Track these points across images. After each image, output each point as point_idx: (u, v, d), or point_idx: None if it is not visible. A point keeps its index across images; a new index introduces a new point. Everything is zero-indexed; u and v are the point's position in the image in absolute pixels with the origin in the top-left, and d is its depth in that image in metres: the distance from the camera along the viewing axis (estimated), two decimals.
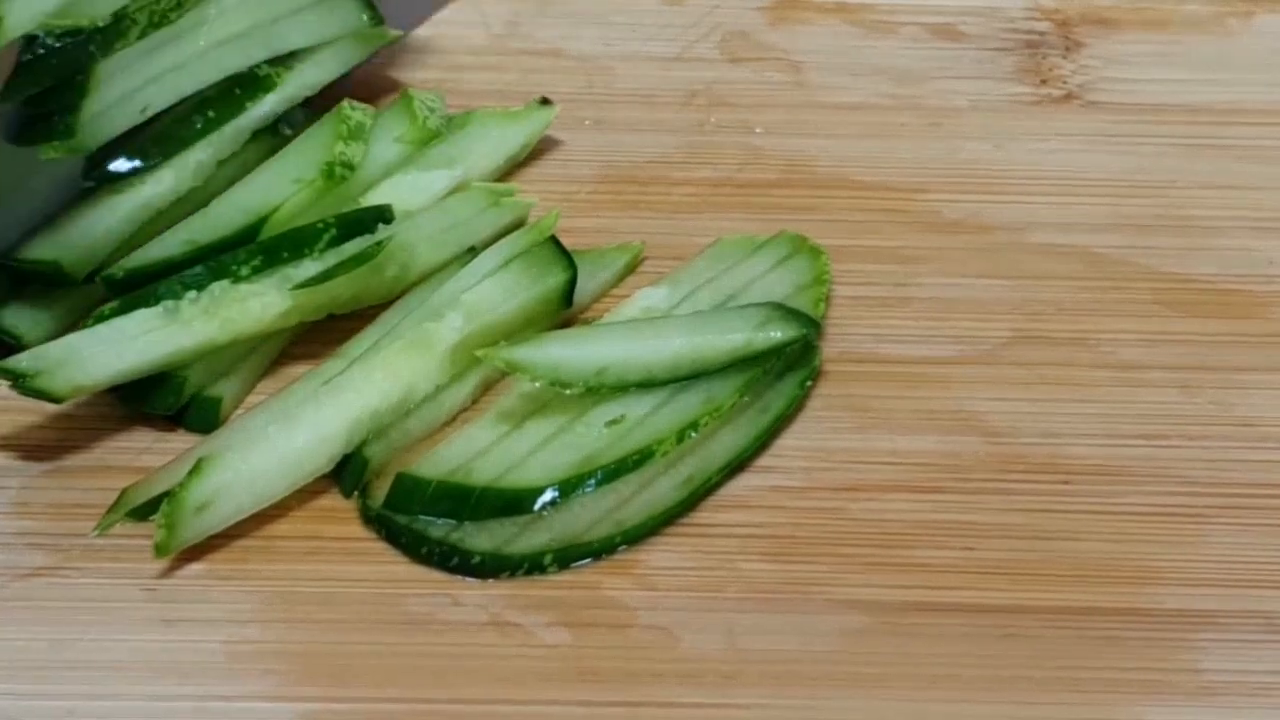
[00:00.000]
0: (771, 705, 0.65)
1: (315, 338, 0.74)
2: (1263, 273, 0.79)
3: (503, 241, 0.76)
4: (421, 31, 0.88)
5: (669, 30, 0.89)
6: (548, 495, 0.69)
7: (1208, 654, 0.66)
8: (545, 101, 0.83)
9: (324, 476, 0.70)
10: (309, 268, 0.73)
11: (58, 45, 0.72)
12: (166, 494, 0.67)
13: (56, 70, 0.72)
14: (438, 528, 0.69)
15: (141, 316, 0.71)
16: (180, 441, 0.71)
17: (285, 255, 0.73)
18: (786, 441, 0.72)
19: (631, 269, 0.78)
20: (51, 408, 0.71)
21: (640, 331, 0.73)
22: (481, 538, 0.68)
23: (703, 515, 0.70)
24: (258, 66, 0.79)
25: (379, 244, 0.74)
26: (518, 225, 0.78)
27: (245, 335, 0.72)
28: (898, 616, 0.67)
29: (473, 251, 0.76)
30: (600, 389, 0.71)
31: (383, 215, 0.76)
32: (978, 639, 0.66)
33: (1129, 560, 0.69)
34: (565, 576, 0.68)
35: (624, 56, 0.87)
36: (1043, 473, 0.71)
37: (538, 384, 0.71)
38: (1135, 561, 0.69)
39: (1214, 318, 0.77)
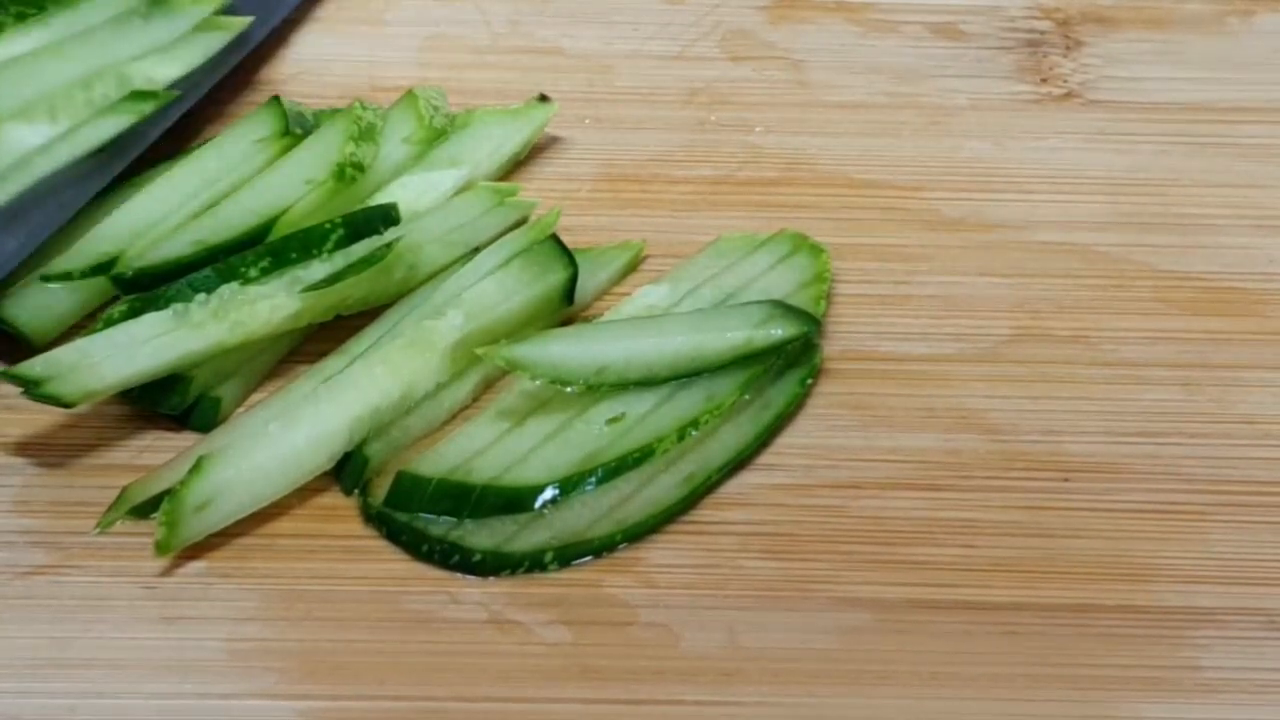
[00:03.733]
0: (772, 703, 0.65)
1: (321, 337, 0.74)
2: (1263, 271, 0.79)
3: (504, 239, 0.76)
4: (422, 31, 0.89)
5: (670, 29, 0.89)
6: (548, 493, 0.69)
7: (1208, 651, 0.66)
8: (544, 98, 0.83)
9: (324, 474, 0.70)
10: (317, 269, 0.73)
11: None
12: (167, 492, 0.67)
13: None
14: (438, 526, 0.69)
15: (151, 320, 0.71)
16: (181, 440, 0.71)
17: (294, 256, 0.73)
18: (787, 439, 0.72)
19: (632, 267, 0.78)
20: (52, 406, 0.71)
21: (641, 329, 0.73)
22: (482, 536, 0.68)
23: (704, 513, 0.70)
24: None
25: (388, 245, 0.74)
26: (520, 224, 0.78)
27: (255, 337, 0.72)
28: (898, 614, 0.67)
29: (476, 251, 0.76)
30: (601, 387, 0.71)
31: (388, 215, 0.76)
32: (978, 636, 0.66)
33: (1129, 557, 0.69)
34: (566, 574, 0.68)
35: (625, 55, 0.88)
36: (1043, 470, 0.71)
37: (538, 382, 0.71)
38: (1135, 559, 0.69)
39: (1214, 315, 0.77)
